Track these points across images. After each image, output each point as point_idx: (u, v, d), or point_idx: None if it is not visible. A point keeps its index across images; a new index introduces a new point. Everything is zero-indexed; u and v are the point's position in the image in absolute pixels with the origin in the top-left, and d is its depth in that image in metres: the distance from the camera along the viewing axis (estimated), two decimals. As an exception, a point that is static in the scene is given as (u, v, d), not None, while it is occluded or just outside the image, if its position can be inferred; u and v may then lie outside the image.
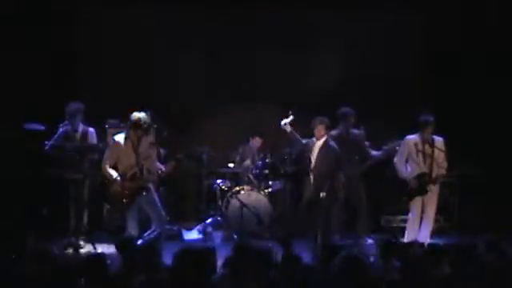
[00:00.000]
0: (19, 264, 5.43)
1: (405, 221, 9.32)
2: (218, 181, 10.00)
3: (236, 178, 10.04)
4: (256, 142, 10.16)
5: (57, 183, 8.66)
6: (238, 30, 10.55)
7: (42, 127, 8.65)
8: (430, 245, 6.14)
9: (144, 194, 7.91)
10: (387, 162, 9.02)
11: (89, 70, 10.41)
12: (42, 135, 8.60)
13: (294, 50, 10.55)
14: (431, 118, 8.48)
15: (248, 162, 10.06)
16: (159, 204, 8.05)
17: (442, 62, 10.41)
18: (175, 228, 9.52)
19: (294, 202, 10.03)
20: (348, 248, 6.10)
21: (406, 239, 8.38)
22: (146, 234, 8.06)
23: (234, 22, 10.53)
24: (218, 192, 9.88)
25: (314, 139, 8.77)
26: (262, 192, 9.69)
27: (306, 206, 8.77)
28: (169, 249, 7.63)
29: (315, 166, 8.66)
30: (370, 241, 8.91)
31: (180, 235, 9.56)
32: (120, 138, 8.05)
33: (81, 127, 8.73)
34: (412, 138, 8.57)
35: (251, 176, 9.92)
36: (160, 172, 8.13)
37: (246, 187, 9.72)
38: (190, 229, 9.78)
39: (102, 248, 8.06)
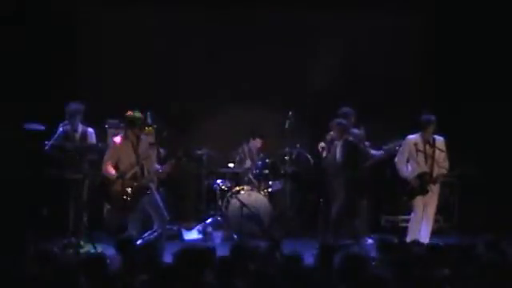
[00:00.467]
0: (19, 264, 5.43)
1: (405, 221, 9.33)
2: (218, 181, 10.00)
3: (236, 178, 10.04)
4: (256, 142, 10.16)
5: (57, 183, 8.66)
6: (237, 30, 10.55)
7: (42, 127, 8.64)
8: (429, 245, 6.13)
9: (147, 193, 7.92)
10: (387, 161, 9.02)
11: (89, 70, 10.41)
12: (42, 135, 8.60)
13: (293, 50, 10.55)
14: (433, 118, 8.47)
15: (248, 163, 10.06)
16: (161, 204, 8.05)
17: (442, 62, 10.41)
18: (175, 228, 9.52)
19: (293, 202, 10.06)
20: (348, 248, 6.11)
21: (408, 239, 8.36)
22: (146, 235, 8.06)
23: (234, 22, 10.53)
24: (218, 192, 9.88)
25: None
26: (262, 192, 9.69)
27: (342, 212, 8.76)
28: (169, 249, 7.64)
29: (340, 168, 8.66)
30: (369, 241, 8.91)
31: (180, 235, 9.57)
32: (119, 138, 8.06)
33: (80, 127, 8.73)
34: (413, 137, 8.57)
35: (251, 176, 9.92)
36: (160, 172, 8.14)
37: (245, 187, 9.72)
38: (189, 229, 9.79)
39: (102, 248, 8.05)
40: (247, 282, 4.92)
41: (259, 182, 9.88)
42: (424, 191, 8.49)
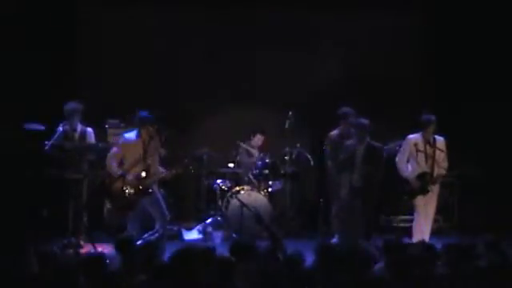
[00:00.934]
0: (19, 264, 5.43)
1: (405, 221, 9.34)
2: (218, 181, 10.00)
3: (236, 178, 10.04)
4: (257, 139, 10.15)
5: (57, 183, 8.66)
6: (237, 30, 10.55)
7: (42, 127, 8.64)
8: (429, 245, 6.13)
9: (149, 194, 7.92)
10: (387, 161, 9.01)
11: (89, 70, 10.41)
12: (42, 135, 8.60)
13: (293, 50, 10.55)
14: (433, 118, 8.47)
15: (254, 157, 10.02)
16: (163, 204, 8.05)
17: (442, 62, 10.40)
18: (175, 228, 9.52)
19: (293, 202, 10.06)
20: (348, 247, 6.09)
21: (414, 239, 8.35)
22: (146, 235, 8.06)
23: (234, 22, 10.53)
24: (218, 192, 9.88)
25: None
26: (262, 192, 9.69)
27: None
28: (169, 249, 7.64)
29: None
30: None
31: (180, 235, 9.57)
32: (130, 135, 8.03)
33: (79, 127, 8.73)
34: (413, 137, 8.57)
35: (251, 176, 9.92)
36: (163, 176, 8.13)
37: (245, 187, 9.72)
38: (190, 229, 9.79)
39: (102, 248, 8.05)
40: (247, 282, 4.93)
41: (259, 182, 9.88)
42: (424, 191, 8.49)
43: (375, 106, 10.12)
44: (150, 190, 7.99)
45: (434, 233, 8.77)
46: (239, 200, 9.40)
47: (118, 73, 10.31)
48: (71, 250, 8.25)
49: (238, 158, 10.10)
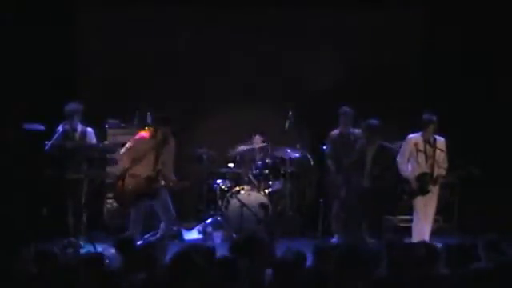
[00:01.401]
0: (19, 264, 5.43)
1: (405, 221, 9.33)
2: (218, 181, 10.00)
3: (236, 178, 10.04)
4: (257, 140, 10.16)
5: (57, 183, 8.66)
6: (237, 30, 10.55)
7: (42, 127, 8.64)
8: (429, 245, 6.12)
9: (155, 196, 7.90)
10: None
11: (89, 70, 10.41)
12: (42, 135, 8.60)
13: (294, 50, 10.55)
14: (434, 118, 8.47)
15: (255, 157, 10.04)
16: (170, 204, 8.03)
17: (443, 61, 10.40)
18: (175, 228, 9.51)
19: (293, 202, 10.05)
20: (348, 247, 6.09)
21: (413, 239, 8.36)
22: (147, 236, 8.07)
23: (234, 22, 10.53)
24: (218, 192, 9.88)
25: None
26: (262, 192, 9.69)
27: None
28: (169, 249, 7.63)
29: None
30: (370, 240, 8.90)
31: (180, 235, 9.56)
32: (145, 133, 8.01)
33: (80, 127, 8.73)
34: (413, 137, 8.57)
35: (251, 176, 9.92)
36: (173, 184, 8.11)
37: (245, 187, 9.72)
38: (190, 229, 9.78)
39: (102, 248, 8.05)
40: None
41: (259, 182, 9.88)
42: (424, 191, 8.49)
43: (375, 105, 10.12)
44: (157, 192, 7.94)
45: (434, 233, 8.77)
46: (239, 200, 9.41)
47: (118, 73, 10.31)
48: (71, 250, 8.25)
49: (238, 157, 10.09)
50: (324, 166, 9.60)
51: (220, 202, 9.77)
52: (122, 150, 8.17)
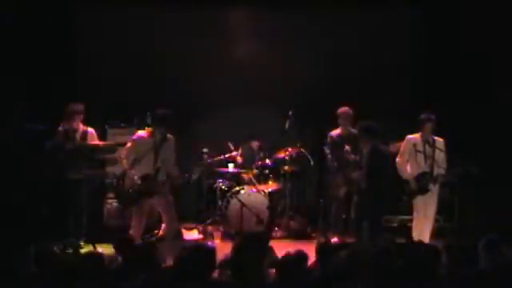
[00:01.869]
0: (19, 264, 5.43)
1: (405, 221, 9.33)
2: (218, 181, 10.00)
3: (236, 178, 10.04)
4: (253, 144, 10.22)
5: (57, 183, 8.66)
6: (237, 30, 10.55)
7: (42, 127, 8.64)
8: (429, 245, 6.13)
9: (156, 195, 7.90)
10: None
11: (89, 70, 10.41)
12: (42, 135, 8.60)
13: (293, 50, 10.55)
14: (431, 116, 8.48)
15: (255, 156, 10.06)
16: (172, 205, 8.03)
17: (443, 62, 10.40)
18: (176, 228, 9.50)
19: (293, 202, 10.06)
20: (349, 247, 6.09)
21: (414, 239, 8.36)
22: (146, 236, 8.07)
23: (234, 22, 10.53)
24: (218, 192, 9.88)
25: None
26: (262, 192, 9.70)
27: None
28: (169, 249, 7.64)
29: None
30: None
31: (180, 235, 9.56)
32: (143, 133, 8.01)
33: (80, 127, 8.73)
34: (412, 137, 8.58)
35: (251, 176, 9.92)
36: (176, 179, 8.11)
37: (246, 187, 9.73)
38: (190, 229, 9.79)
39: (102, 248, 8.05)
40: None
41: (259, 182, 9.88)
42: (424, 191, 8.49)
43: (375, 105, 10.13)
44: (156, 193, 7.94)
45: (434, 233, 8.77)
46: (239, 200, 9.41)
47: (118, 73, 10.31)
48: (71, 250, 8.25)
49: (240, 151, 10.10)
50: (324, 165, 9.60)
51: (220, 202, 9.77)
52: (122, 152, 8.17)
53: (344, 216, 9.13)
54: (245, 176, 9.95)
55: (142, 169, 7.95)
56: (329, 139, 9.35)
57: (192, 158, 9.74)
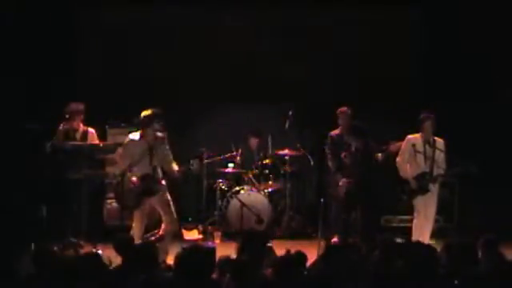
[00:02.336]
0: (19, 264, 5.43)
1: (405, 221, 9.33)
2: (218, 181, 10.00)
3: (236, 178, 10.04)
4: (253, 141, 10.20)
5: (57, 183, 8.65)
6: (237, 30, 10.55)
7: (42, 127, 8.64)
8: (429, 245, 6.13)
9: (155, 196, 7.89)
10: (388, 162, 9.01)
11: (89, 70, 10.41)
12: (42, 135, 8.60)
13: (293, 50, 10.55)
14: (431, 115, 8.48)
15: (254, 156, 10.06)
16: (172, 205, 8.02)
17: (443, 62, 10.40)
18: (175, 228, 9.50)
19: (293, 202, 10.06)
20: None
21: (413, 239, 8.35)
22: (146, 236, 8.06)
23: (234, 21, 10.53)
24: (218, 192, 9.88)
25: None
26: (262, 192, 9.70)
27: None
28: (169, 249, 7.65)
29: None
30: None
31: (180, 235, 9.56)
32: (135, 135, 7.99)
33: (81, 127, 8.73)
34: (412, 137, 8.58)
35: (251, 176, 9.92)
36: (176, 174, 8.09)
37: (245, 187, 9.73)
38: (190, 229, 9.79)
39: (101, 248, 8.05)
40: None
41: (259, 182, 9.89)
42: (423, 191, 8.49)
43: (375, 105, 10.13)
44: (157, 191, 7.93)
45: (434, 233, 8.77)
46: (239, 200, 9.41)
47: (118, 73, 10.32)
48: (71, 250, 8.25)
49: (240, 151, 10.11)
50: (324, 165, 9.59)
51: (220, 202, 9.77)
52: (116, 157, 8.15)
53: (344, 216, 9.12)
54: (245, 176, 9.96)
55: (140, 170, 7.95)
56: (329, 139, 9.34)
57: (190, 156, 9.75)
